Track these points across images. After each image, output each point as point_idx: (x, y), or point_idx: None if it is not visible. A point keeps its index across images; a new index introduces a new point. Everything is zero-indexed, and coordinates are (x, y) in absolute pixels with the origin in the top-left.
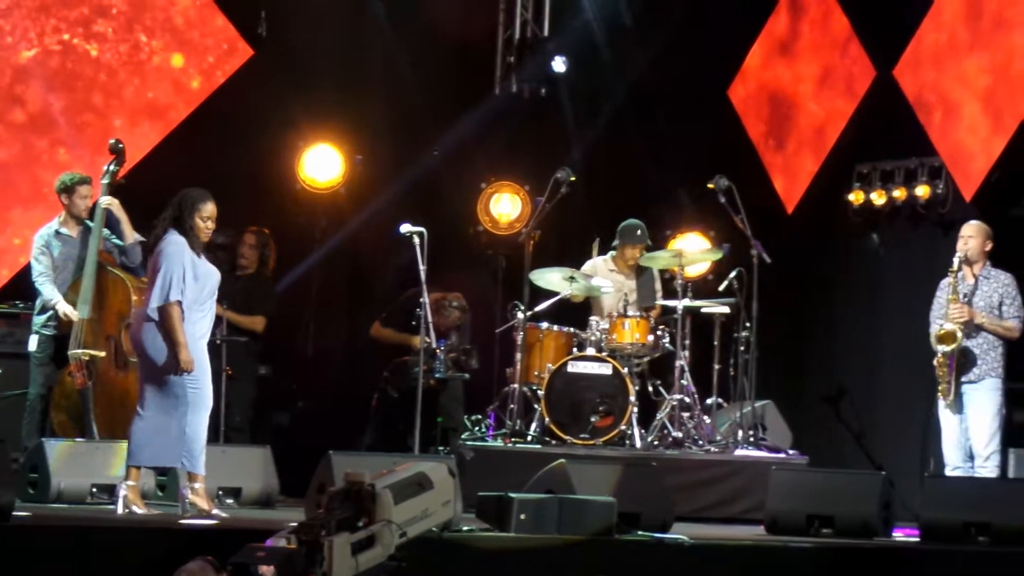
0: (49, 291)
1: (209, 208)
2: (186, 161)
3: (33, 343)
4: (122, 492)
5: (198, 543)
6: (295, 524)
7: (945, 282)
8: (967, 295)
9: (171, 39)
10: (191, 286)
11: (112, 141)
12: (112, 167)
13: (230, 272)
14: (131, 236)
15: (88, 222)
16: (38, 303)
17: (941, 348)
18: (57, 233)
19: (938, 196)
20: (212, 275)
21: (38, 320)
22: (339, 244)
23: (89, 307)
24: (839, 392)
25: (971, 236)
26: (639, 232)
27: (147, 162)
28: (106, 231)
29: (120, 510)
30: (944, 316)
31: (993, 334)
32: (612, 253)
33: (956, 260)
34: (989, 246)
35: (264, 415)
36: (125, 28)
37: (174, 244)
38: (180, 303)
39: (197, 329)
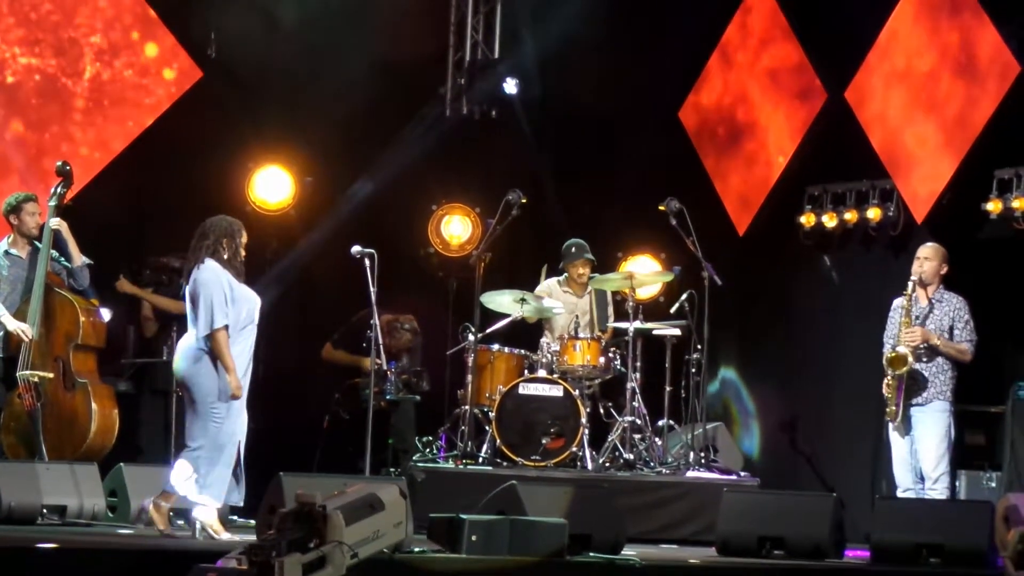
0: None
1: (245, 237)
2: (135, 182)
3: None
4: (199, 517)
5: (146, 565)
6: (246, 545)
7: (898, 303)
8: (919, 317)
9: (120, 60)
10: (230, 311)
11: (59, 163)
12: (60, 189)
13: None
14: (79, 259)
15: (37, 243)
16: None
17: (891, 371)
18: (6, 253)
19: (889, 218)
20: (250, 299)
21: None
22: (290, 265)
23: (37, 328)
24: (790, 414)
25: (927, 258)
26: (575, 249)
27: (95, 184)
28: (54, 252)
29: (198, 535)
30: (896, 338)
31: (946, 356)
32: (565, 275)
33: (911, 283)
34: (944, 269)
35: None
36: (72, 48)
37: (209, 271)
38: (227, 327)
39: (237, 354)
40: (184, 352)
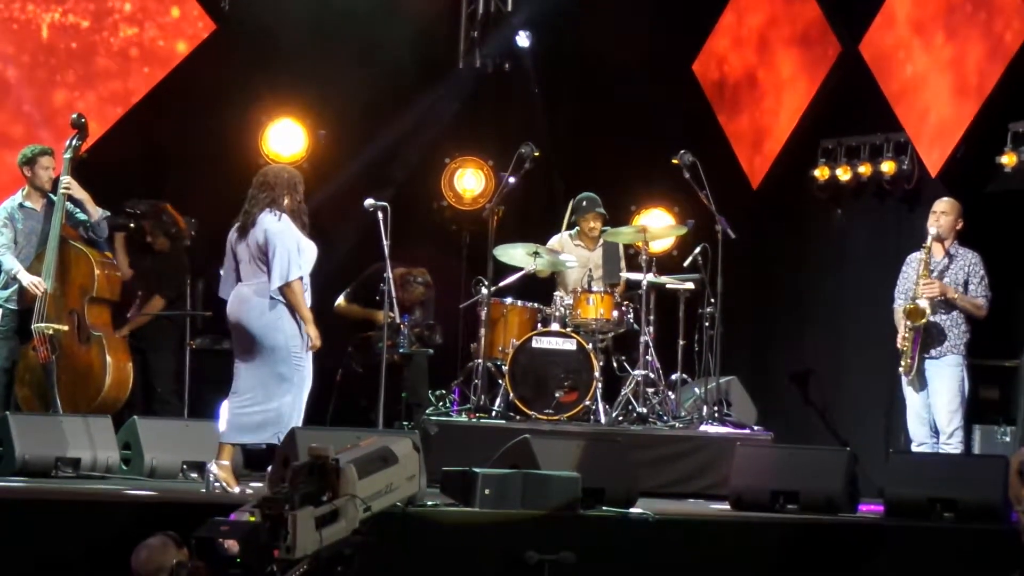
0: (10, 262)
1: (302, 188)
2: (149, 135)
3: None
4: (213, 470)
5: (160, 517)
6: (259, 498)
7: (914, 257)
8: (936, 271)
9: (133, 12)
10: (303, 262)
11: (74, 116)
12: (74, 141)
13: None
14: (96, 212)
15: (52, 196)
16: (0, 277)
17: (908, 324)
18: (21, 206)
19: (904, 172)
20: (313, 250)
21: (1, 295)
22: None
23: (52, 281)
24: (804, 368)
25: (944, 212)
26: (586, 203)
27: (110, 136)
28: (70, 206)
29: (210, 488)
30: (913, 291)
31: (963, 310)
32: (576, 229)
33: (930, 236)
34: (960, 224)
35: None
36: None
37: (283, 222)
38: (300, 279)
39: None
40: (251, 303)
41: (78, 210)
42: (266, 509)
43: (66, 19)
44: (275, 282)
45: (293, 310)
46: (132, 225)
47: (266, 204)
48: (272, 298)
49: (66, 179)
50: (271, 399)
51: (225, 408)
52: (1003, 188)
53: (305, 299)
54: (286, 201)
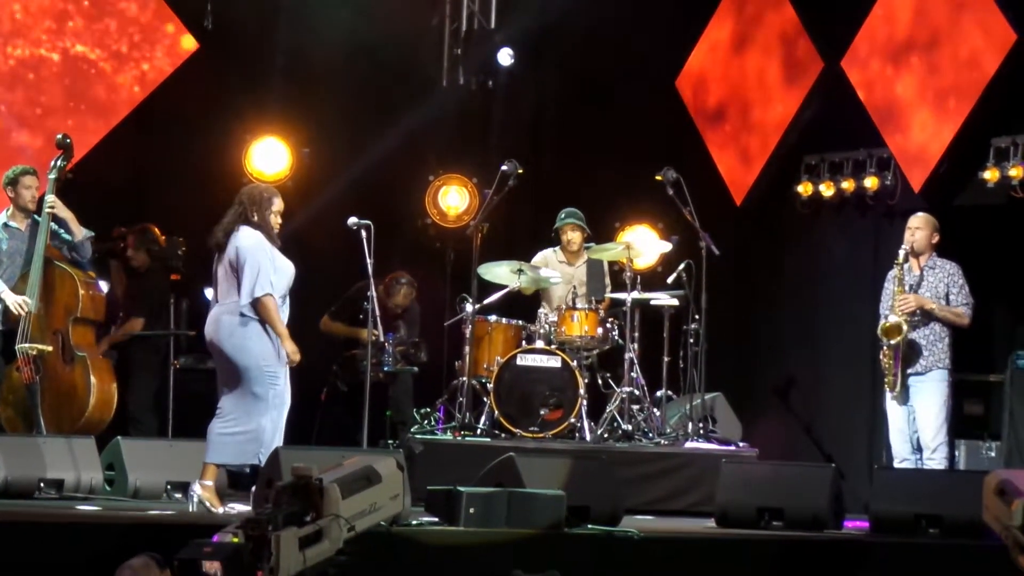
0: None
1: (279, 203)
2: (133, 154)
3: None
4: (197, 491)
5: (142, 538)
6: (242, 519)
7: (891, 274)
8: (912, 286)
9: (117, 32)
10: (275, 279)
11: (59, 136)
12: (59, 161)
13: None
14: (80, 232)
15: (36, 216)
16: None
17: (886, 341)
18: (5, 226)
19: (887, 188)
20: (290, 268)
21: None
22: (286, 237)
23: (36, 301)
24: (788, 384)
25: (918, 228)
26: (564, 215)
27: (94, 156)
28: (54, 226)
29: (194, 508)
30: (891, 308)
31: (943, 321)
32: (559, 246)
33: (902, 252)
34: (936, 238)
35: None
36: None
37: (253, 237)
38: (272, 296)
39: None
40: (224, 322)
41: (62, 230)
42: (249, 530)
43: (48, 38)
44: (244, 298)
45: (267, 328)
46: (121, 243)
47: (237, 221)
48: (243, 315)
49: (51, 198)
50: (250, 419)
51: (210, 429)
52: (985, 202)
53: (281, 315)
54: (255, 216)
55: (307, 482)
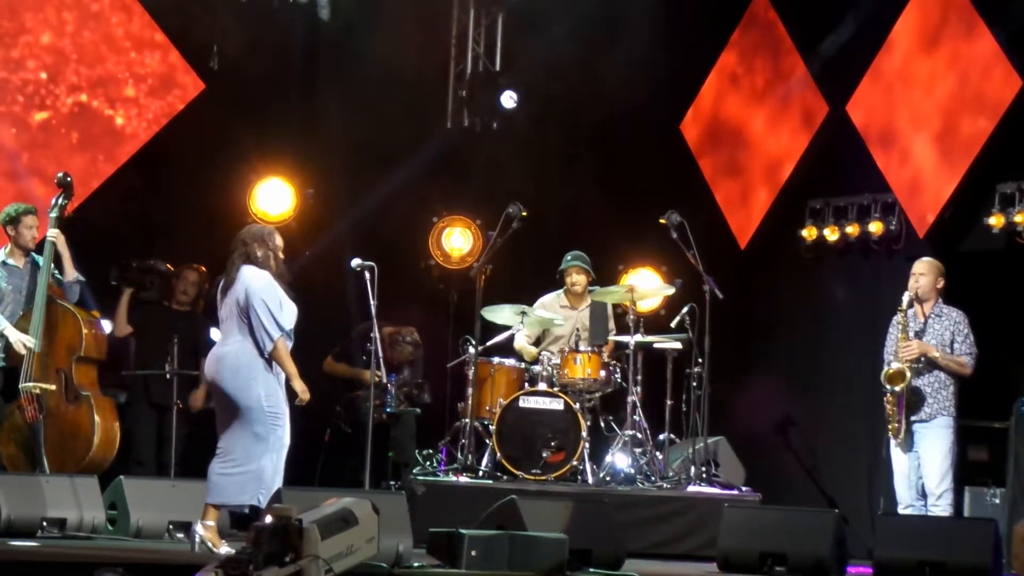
0: None
1: (280, 240)
2: (138, 194)
3: None
4: (199, 531)
5: None
6: (223, 558)
7: (895, 320)
8: (917, 333)
9: (123, 72)
10: (284, 317)
11: (60, 175)
12: (61, 200)
13: (164, 305)
14: (71, 273)
15: (35, 255)
16: None
17: (890, 387)
18: (4, 264)
19: (891, 232)
20: (294, 309)
21: None
22: (290, 278)
23: (39, 340)
24: (791, 428)
25: (922, 273)
26: (569, 257)
27: (97, 196)
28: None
29: (195, 549)
30: (895, 355)
31: (946, 369)
32: (564, 289)
33: (906, 298)
34: (941, 283)
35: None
36: (75, 59)
37: (263, 278)
38: (284, 337)
39: None
40: (225, 362)
41: (55, 270)
42: (230, 569)
43: (52, 74)
44: (266, 341)
45: (270, 368)
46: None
47: (242, 260)
48: (247, 357)
49: (54, 231)
50: (250, 459)
51: (210, 469)
52: (989, 247)
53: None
54: (258, 253)
55: (287, 523)
